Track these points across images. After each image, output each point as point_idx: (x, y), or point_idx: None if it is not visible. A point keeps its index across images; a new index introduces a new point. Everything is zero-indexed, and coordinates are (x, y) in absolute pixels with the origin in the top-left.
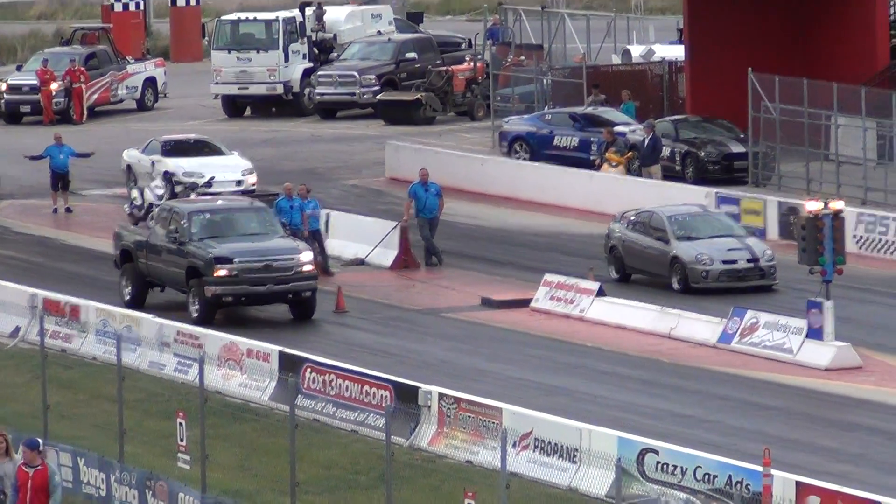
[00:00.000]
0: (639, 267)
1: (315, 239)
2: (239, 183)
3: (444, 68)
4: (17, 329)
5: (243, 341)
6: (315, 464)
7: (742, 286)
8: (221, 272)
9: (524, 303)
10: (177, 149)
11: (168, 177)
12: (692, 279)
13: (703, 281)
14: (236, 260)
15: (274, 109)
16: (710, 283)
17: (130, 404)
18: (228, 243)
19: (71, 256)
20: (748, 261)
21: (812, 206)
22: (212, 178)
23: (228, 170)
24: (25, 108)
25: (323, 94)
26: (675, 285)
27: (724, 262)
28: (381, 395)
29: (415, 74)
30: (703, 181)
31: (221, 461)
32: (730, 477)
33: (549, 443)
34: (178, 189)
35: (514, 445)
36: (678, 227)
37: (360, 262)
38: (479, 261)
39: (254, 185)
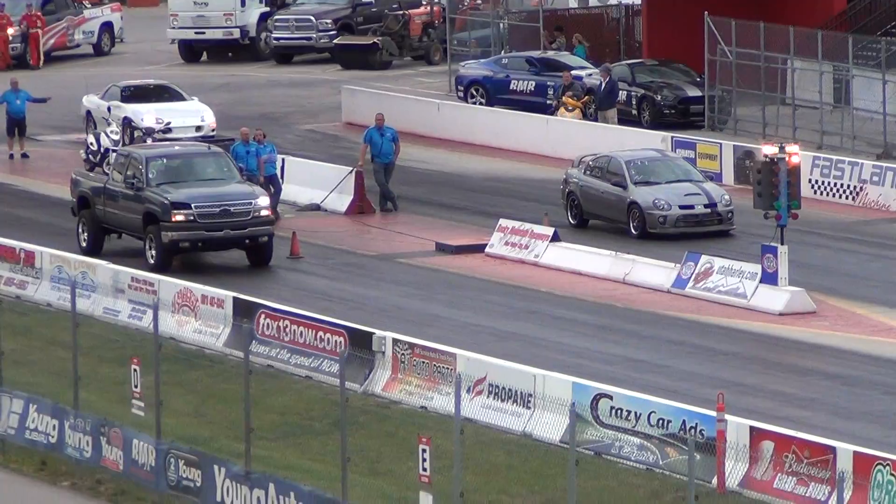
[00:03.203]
0: (596, 212)
1: (271, 184)
2: (199, 129)
3: (401, 12)
4: None
5: (198, 287)
6: (270, 410)
7: (699, 231)
8: (178, 217)
9: (479, 248)
10: (136, 94)
11: (126, 122)
12: (650, 225)
13: (660, 226)
14: (193, 205)
15: (230, 54)
16: (667, 228)
17: (85, 351)
18: (185, 189)
19: (26, 202)
20: (705, 206)
21: (768, 150)
22: (168, 124)
23: (188, 115)
24: None
25: (279, 39)
26: (633, 231)
27: (682, 207)
28: (336, 341)
29: (371, 18)
30: (660, 125)
31: (176, 407)
32: (684, 422)
33: (504, 388)
34: (136, 134)
35: (468, 391)
36: (636, 171)
37: (316, 208)
38: (434, 206)
39: (213, 130)
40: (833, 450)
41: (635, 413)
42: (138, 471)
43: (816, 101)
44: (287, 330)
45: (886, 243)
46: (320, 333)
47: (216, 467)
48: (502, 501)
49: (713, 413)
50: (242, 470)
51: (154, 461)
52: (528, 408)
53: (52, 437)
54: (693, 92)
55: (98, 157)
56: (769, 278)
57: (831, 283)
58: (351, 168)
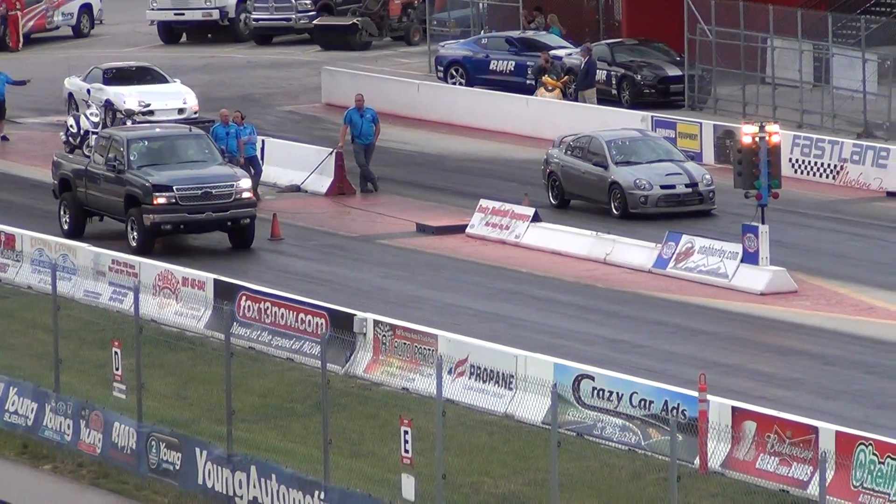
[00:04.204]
0: (577, 192)
1: (251, 165)
2: (181, 111)
3: None
4: None
5: (178, 269)
6: (251, 392)
7: (681, 211)
8: (160, 200)
9: (460, 229)
10: (118, 76)
11: (108, 105)
12: (631, 205)
13: (641, 206)
14: (175, 188)
15: (210, 35)
16: (648, 208)
17: (66, 334)
18: (167, 171)
19: (6, 185)
20: (687, 185)
21: (748, 129)
22: (149, 106)
23: (171, 97)
24: None
25: (259, 20)
26: (614, 211)
27: (663, 186)
28: (317, 323)
29: None
30: (640, 105)
31: (157, 390)
32: (666, 402)
33: (485, 369)
34: (118, 116)
35: (449, 372)
36: (617, 151)
37: (296, 189)
38: (414, 187)
39: (196, 112)
40: (815, 430)
41: (617, 394)
42: (117, 454)
43: (796, 80)
44: (268, 312)
45: (867, 222)
46: (301, 315)
47: (198, 450)
48: (484, 483)
49: (695, 393)
50: (224, 452)
51: (134, 444)
52: (510, 389)
53: (30, 420)
54: (673, 71)
55: (78, 139)
56: (750, 258)
57: (812, 263)
58: (331, 149)
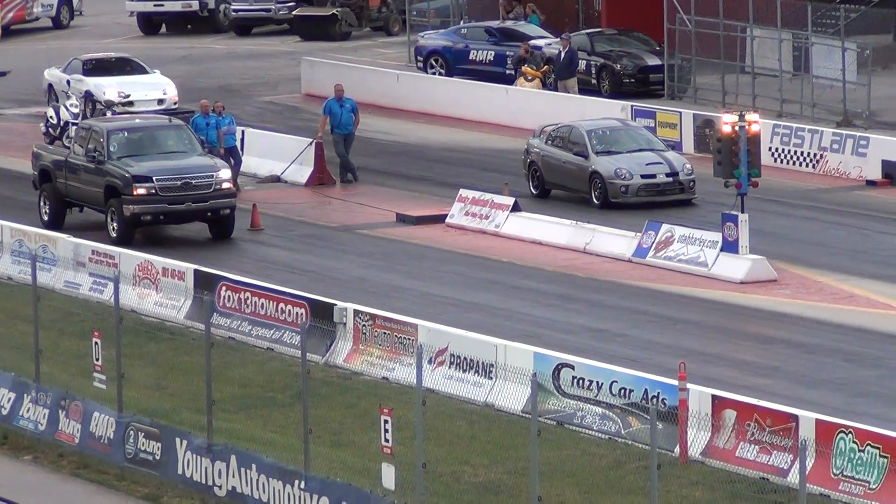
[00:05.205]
0: (558, 182)
1: (231, 156)
2: (161, 102)
3: None
4: None
5: (158, 260)
6: (231, 382)
7: (661, 200)
8: (140, 191)
9: (440, 219)
10: (98, 67)
11: (88, 96)
12: (612, 194)
13: (622, 196)
14: (155, 178)
15: (189, 26)
16: (629, 197)
17: (46, 324)
18: (147, 162)
19: None
20: (667, 175)
21: (728, 118)
22: (128, 97)
23: (150, 88)
24: None
25: (238, 11)
26: (595, 200)
27: (644, 176)
28: (297, 313)
29: None
30: (619, 94)
31: (137, 380)
32: (646, 391)
33: (465, 359)
34: (98, 107)
35: (429, 362)
36: (598, 141)
37: (276, 179)
38: (394, 177)
39: (175, 103)
40: (795, 418)
41: (597, 382)
42: (96, 444)
43: (776, 70)
44: (248, 302)
45: (847, 211)
46: (281, 305)
47: (178, 440)
48: (464, 472)
49: (675, 382)
50: (204, 442)
51: (112, 434)
52: (490, 378)
53: (5, 409)
54: (652, 61)
55: (57, 130)
56: (730, 247)
57: (792, 252)
58: (311, 139)
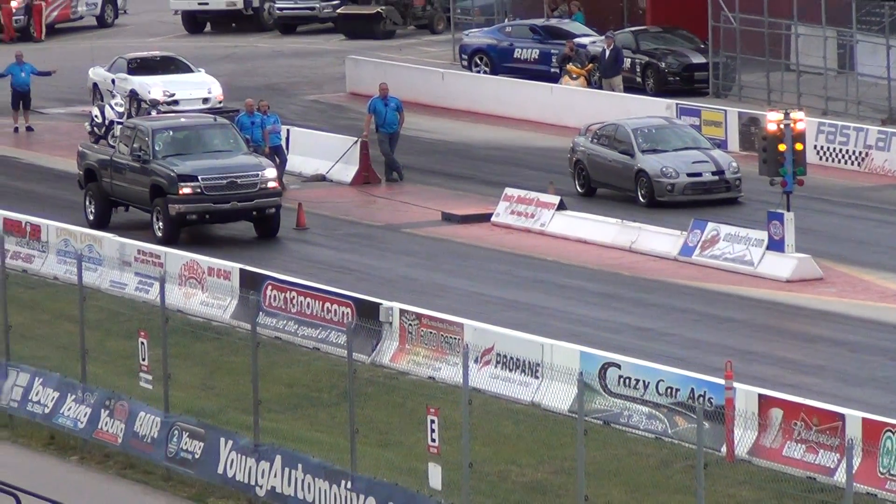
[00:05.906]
0: (604, 181)
1: (276, 155)
2: (206, 101)
3: None
4: None
5: (204, 259)
6: (277, 382)
7: (707, 199)
8: (186, 190)
9: (485, 217)
10: (143, 66)
11: (133, 95)
12: (657, 193)
13: (668, 194)
14: (200, 178)
15: (234, 25)
16: (675, 196)
17: (92, 324)
18: (192, 161)
19: (31, 176)
20: (713, 173)
21: (773, 116)
22: (173, 95)
23: (195, 87)
24: None
25: (283, 9)
26: (641, 199)
27: (690, 174)
28: (343, 312)
29: None
30: (664, 92)
31: (184, 380)
32: (692, 390)
33: (511, 358)
34: (143, 106)
35: (476, 361)
36: (643, 139)
37: (321, 178)
38: (439, 175)
39: (221, 102)
40: (842, 417)
41: (643, 382)
42: (138, 443)
43: (820, 67)
44: (294, 301)
45: (893, 209)
46: (327, 305)
47: (223, 440)
48: (511, 472)
49: (721, 381)
50: (250, 442)
51: (156, 433)
52: (536, 377)
53: (48, 407)
54: (697, 59)
55: (102, 129)
56: (776, 245)
57: (838, 250)
58: (356, 138)
